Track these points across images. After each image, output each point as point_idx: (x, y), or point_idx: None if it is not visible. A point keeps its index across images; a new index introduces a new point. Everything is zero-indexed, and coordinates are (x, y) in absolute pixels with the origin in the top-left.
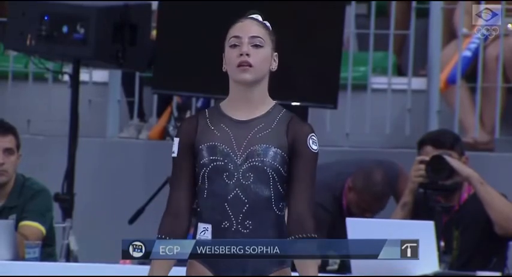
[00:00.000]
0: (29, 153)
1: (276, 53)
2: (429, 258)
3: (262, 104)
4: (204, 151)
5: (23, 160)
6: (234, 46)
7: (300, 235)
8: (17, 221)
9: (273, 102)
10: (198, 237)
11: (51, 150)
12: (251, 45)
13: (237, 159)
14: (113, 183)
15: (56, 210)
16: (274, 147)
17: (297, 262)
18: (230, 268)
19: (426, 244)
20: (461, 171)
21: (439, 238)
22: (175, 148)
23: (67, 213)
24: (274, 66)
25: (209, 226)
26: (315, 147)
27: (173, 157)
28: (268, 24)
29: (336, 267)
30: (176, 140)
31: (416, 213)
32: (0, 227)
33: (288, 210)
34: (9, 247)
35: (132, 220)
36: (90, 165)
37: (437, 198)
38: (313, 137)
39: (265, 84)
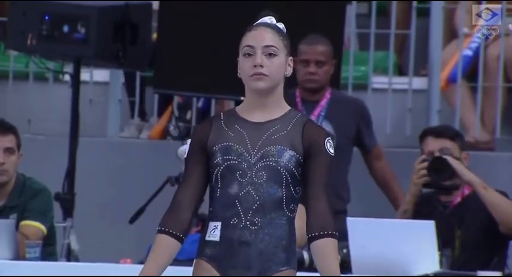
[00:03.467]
0: (30, 153)
1: (291, 57)
2: (430, 258)
3: (277, 108)
4: (218, 151)
5: (23, 160)
6: (247, 55)
7: (322, 233)
8: (18, 221)
9: (288, 107)
10: (207, 234)
11: (52, 150)
12: (265, 54)
13: (250, 158)
14: (113, 183)
15: (57, 209)
16: (289, 149)
17: (317, 260)
18: (235, 267)
19: (427, 244)
20: (462, 175)
21: (439, 237)
22: (187, 150)
23: (68, 212)
24: (289, 71)
25: (219, 224)
26: (332, 151)
27: (185, 159)
28: (282, 26)
29: None
30: (188, 142)
31: (418, 212)
32: (1, 227)
33: (308, 209)
34: (10, 247)
35: (132, 220)
36: (91, 165)
37: (439, 197)
38: (330, 141)
39: (280, 90)
